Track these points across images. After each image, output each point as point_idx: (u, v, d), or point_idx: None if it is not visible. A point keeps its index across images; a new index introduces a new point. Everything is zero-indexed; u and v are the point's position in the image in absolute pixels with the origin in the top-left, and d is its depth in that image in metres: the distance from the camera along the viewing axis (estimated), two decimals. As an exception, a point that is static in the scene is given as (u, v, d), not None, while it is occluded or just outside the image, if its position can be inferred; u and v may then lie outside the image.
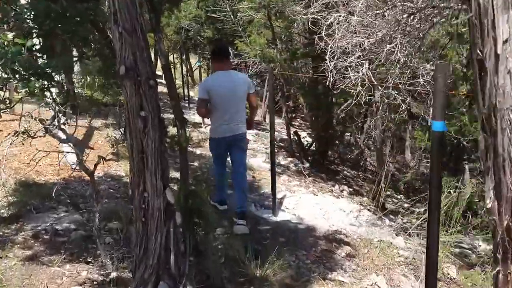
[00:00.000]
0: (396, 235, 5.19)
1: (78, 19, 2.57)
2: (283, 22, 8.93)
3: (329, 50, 5.44)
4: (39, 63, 2.01)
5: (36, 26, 2.34)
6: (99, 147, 6.16)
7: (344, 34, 5.36)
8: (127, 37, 2.21)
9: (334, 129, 8.30)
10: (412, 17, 5.01)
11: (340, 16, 5.34)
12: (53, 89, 2.36)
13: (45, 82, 2.09)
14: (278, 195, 5.49)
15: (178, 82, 18.18)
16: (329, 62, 5.40)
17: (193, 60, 20.07)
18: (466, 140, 6.95)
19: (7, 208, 3.88)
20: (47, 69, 2.02)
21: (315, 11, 5.60)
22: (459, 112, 6.79)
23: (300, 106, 15.15)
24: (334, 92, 5.94)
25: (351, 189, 7.56)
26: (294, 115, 17.23)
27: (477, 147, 7.53)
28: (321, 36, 5.42)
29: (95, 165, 2.89)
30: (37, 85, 1.98)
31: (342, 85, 4.71)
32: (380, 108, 5.16)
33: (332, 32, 5.37)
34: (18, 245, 3.29)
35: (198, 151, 7.68)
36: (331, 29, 5.50)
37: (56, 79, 2.29)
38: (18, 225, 3.65)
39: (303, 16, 5.28)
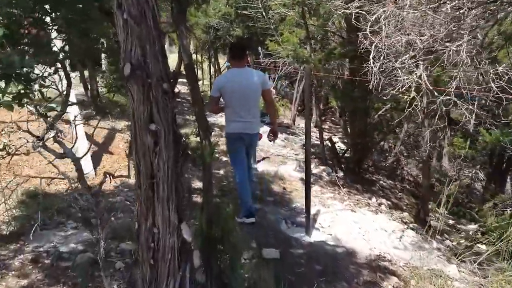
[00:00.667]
0: (448, 261, 4.52)
1: (80, 5, 2.04)
2: (317, 20, 8.32)
3: (373, 49, 4.82)
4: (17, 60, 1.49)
5: (25, 14, 1.83)
6: (119, 152, 5.70)
7: (392, 31, 4.72)
8: (133, 25, 1.66)
9: (371, 135, 7.61)
10: (467, 12, 4.33)
11: (387, 11, 4.71)
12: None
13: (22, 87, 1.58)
14: (312, 210, 4.88)
15: (206, 82, 17.74)
16: (373, 63, 4.78)
17: (222, 60, 19.64)
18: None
19: (8, 224, 3.42)
20: (24, 69, 1.50)
21: (358, 5, 4.98)
22: (515, 120, 6.01)
23: (332, 109, 14.47)
24: (384, 97, 5.27)
25: (389, 202, 6.87)
26: (324, 118, 16.58)
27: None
28: (365, 34, 4.81)
29: (100, 184, 2.37)
30: (11, 90, 1.47)
31: (391, 89, 4.07)
32: (437, 117, 4.47)
33: (378, 29, 4.75)
34: (13, 272, 2.80)
35: (224, 157, 7.14)
36: (377, 26, 4.89)
37: (43, 82, 1.76)
38: (18, 245, 3.18)
39: (345, 11, 4.66)
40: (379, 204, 6.57)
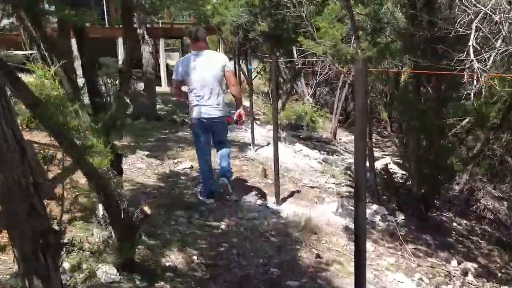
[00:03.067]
0: None
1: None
2: (365, 8, 6.14)
3: (473, 31, 2.71)
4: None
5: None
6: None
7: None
8: None
9: (445, 163, 5.31)
10: None
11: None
12: None
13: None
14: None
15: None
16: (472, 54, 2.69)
17: (255, 65, 17.71)
18: None
19: None
20: None
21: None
22: None
23: (383, 122, 12.14)
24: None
25: (476, 266, 4.58)
26: (368, 127, 14.20)
27: None
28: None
29: None
30: None
31: None
32: None
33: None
34: None
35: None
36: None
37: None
38: None
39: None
40: (464, 273, 4.28)
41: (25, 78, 1.75)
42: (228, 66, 4.12)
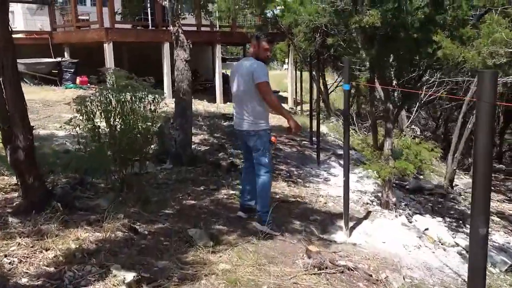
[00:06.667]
0: None
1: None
2: None
3: None
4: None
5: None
6: None
7: None
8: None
9: None
10: None
11: None
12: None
13: None
14: None
15: (306, 107, 12.71)
16: None
17: (330, 78, 14.50)
18: None
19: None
20: None
21: None
22: None
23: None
24: None
25: None
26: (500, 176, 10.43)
27: None
28: None
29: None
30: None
31: None
32: None
33: None
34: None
35: None
36: None
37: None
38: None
39: None
40: None
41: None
42: (257, 77, 3.36)
